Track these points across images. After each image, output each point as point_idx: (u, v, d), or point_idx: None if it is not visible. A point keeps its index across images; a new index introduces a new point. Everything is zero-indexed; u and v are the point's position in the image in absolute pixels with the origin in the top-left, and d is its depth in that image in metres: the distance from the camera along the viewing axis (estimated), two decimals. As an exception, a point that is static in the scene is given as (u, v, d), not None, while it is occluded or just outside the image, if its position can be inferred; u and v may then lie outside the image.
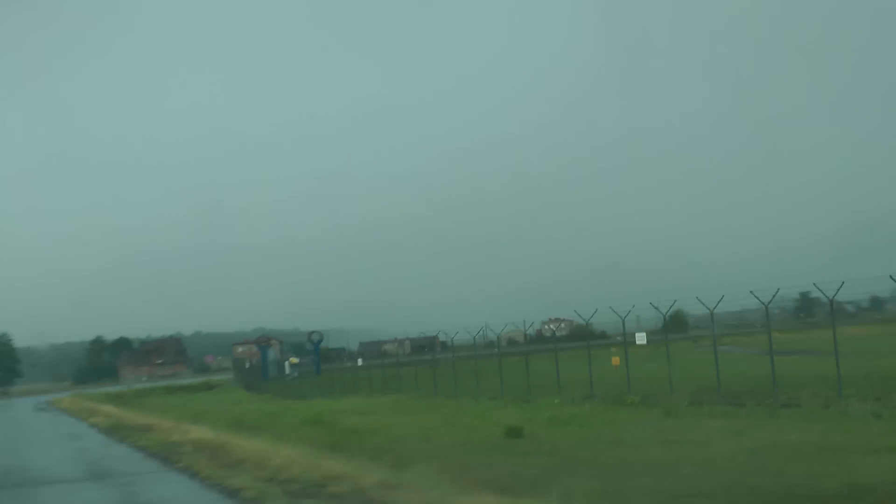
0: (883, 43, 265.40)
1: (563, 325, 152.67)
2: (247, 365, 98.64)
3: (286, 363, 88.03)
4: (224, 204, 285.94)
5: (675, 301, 39.83)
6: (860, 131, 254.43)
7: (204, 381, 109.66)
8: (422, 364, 63.36)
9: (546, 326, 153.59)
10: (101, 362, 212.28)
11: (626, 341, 42.29)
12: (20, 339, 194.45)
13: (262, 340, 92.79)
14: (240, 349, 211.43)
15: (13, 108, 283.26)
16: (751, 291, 34.09)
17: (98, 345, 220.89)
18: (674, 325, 70.40)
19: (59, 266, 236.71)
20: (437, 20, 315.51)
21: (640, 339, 40.61)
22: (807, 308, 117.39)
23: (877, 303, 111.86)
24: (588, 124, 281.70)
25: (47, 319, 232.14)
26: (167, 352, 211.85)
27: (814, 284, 32.11)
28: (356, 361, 71.87)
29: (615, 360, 46.17)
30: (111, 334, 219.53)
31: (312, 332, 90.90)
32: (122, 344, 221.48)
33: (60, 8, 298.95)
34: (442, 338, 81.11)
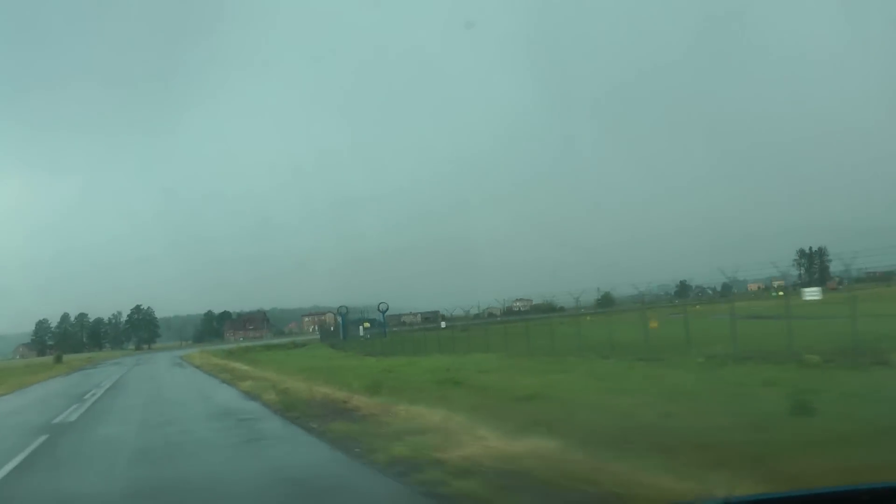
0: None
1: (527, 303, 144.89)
2: (332, 328, 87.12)
3: (360, 327, 76.65)
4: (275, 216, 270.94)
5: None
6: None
7: (290, 341, 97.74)
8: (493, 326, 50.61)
9: (515, 303, 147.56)
10: (211, 328, 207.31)
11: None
12: (159, 312, 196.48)
13: (342, 309, 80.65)
14: (306, 319, 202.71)
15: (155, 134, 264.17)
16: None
17: (209, 316, 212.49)
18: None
19: (181, 261, 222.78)
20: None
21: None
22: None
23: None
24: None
25: (176, 297, 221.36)
26: (255, 321, 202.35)
27: None
28: (439, 324, 59.98)
29: (653, 324, 34.79)
30: (217, 308, 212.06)
31: (380, 303, 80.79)
32: (225, 315, 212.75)
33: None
34: (443, 312, 77.11)
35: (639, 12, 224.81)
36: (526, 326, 38.03)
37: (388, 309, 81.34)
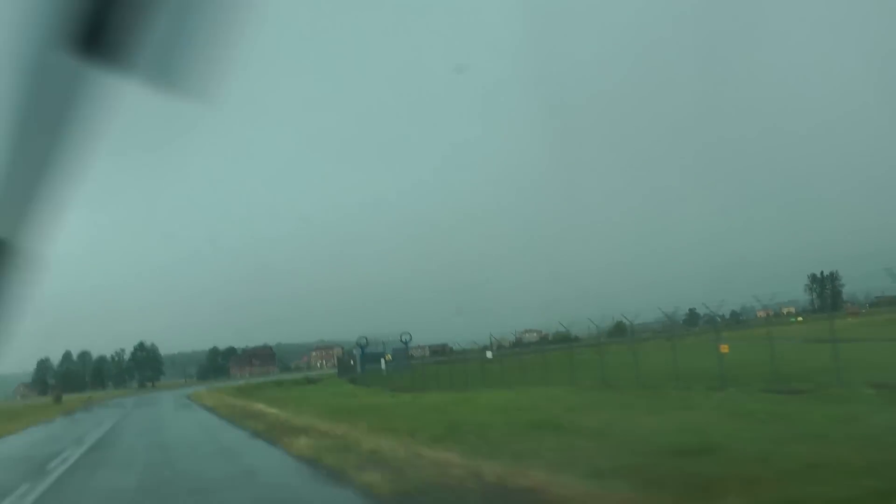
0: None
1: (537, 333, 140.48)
2: (351, 362, 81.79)
3: (381, 360, 71.17)
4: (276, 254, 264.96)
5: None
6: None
7: (302, 376, 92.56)
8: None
9: (525, 334, 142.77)
10: (216, 364, 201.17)
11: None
12: (163, 349, 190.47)
13: (361, 340, 75.08)
14: (314, 353, 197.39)
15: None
16: None
17: (214, 352, 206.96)
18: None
19: (184, 298, 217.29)
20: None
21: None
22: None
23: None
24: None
25: (180, 334, 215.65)
26: (261, 356, 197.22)
27: None
28: (485, 355, 53.96)
29: (724, 348, 30.28)
30: (221, 344, 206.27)
31: (403, 334, 75.59)
32: (230, 351, 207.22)
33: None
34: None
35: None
36: (569, 356, 33.52)
37: (411, 339, 76.27)
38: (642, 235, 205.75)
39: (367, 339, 70.74)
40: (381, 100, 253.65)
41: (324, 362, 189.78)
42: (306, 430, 18.20)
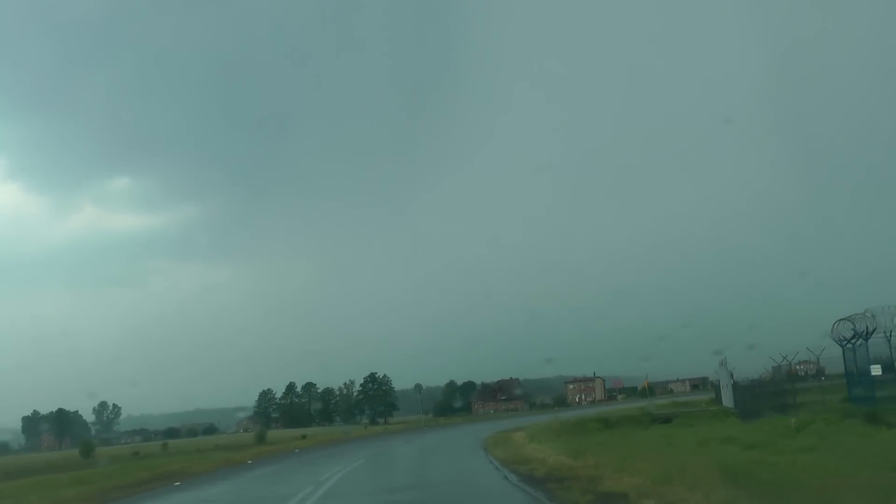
0: None
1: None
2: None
3: (870, 368, 32.19)
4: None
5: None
6: None
7: (597, 414, 56.15)
8: None
9: None
10: (453, 399, 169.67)
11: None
12: (396, 383, 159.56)
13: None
14: (571, 387, 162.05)
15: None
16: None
17: (451, 386, 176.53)
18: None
19: (421, 334, 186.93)
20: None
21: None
22: None
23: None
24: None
25: (413, 368, 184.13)
26: (507, 390, 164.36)
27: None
28: None
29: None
30: (458, 379, 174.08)
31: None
32: (469, 386, 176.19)
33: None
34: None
35: None
36: None
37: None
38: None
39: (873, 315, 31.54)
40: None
41: (582, 396, 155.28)
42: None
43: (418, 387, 55.98)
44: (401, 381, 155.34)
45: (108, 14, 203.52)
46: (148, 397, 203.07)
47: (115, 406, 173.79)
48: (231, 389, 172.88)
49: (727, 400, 40.53)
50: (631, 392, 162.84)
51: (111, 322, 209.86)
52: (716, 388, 53.74)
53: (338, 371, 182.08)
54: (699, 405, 47.54)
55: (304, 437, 67.21)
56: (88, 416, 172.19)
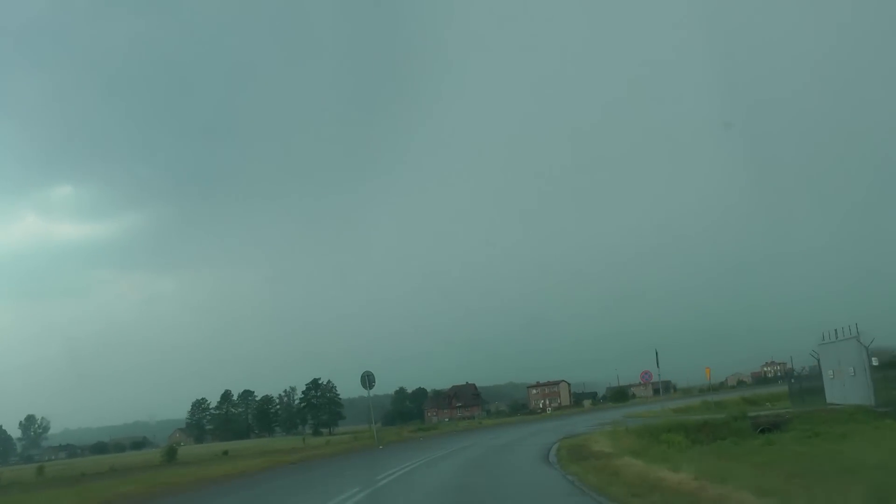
0: None
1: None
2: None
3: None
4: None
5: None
6: None
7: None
8: None
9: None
10: (403, 407, 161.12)
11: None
12: (342, 392, 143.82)
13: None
14: (534, 391, 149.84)
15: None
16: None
17: (401, 393, 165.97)
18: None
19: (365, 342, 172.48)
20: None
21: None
22: None
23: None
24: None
25: (359, 375, 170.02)
26: (464, 397, 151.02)
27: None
28: None
29: None
30: (408, 386, 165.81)
31: None
32: (420, 392, 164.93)
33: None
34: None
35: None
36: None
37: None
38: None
39: None
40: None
41: (547, 402, 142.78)
42: None
43: (366, 377, 41.05)
44: (348, 389, 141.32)
45: (49, 17, 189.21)
46: (87, 410, 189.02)
47: (43, 420, 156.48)
48: (174, 401, 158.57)
49: (855, 394, 27.62)
50: (591, 396, 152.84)
51: (50, 334, 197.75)
52: (797, 378, 40.27)
53: (281, 378, 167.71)
54: (779, 403, 35.00)
55: (225, 452, 53.01)
56: (14, 432, 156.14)
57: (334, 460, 33.35)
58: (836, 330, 28.99)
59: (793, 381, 41.61)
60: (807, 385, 36.43)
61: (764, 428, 22.22)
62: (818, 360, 33.22)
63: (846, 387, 28.67)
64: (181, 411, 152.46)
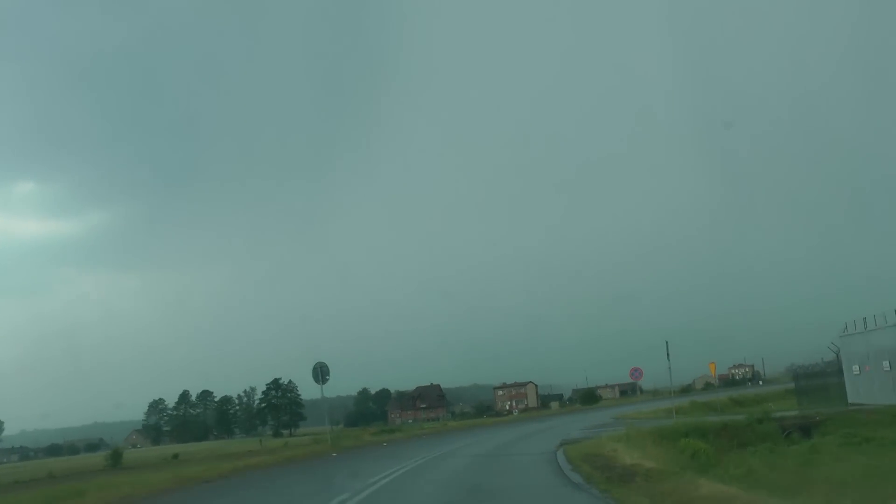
0: None
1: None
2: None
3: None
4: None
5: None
6: None
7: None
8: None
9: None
10: (366, 408, 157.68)
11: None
12: (304, 393, 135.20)
13: None
14: (500, 393, 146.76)
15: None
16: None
17: (364, 394, 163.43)
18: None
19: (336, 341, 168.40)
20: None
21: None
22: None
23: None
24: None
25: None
26: (428, 398, 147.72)
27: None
28: None
29: None
30: (372, 387, 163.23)
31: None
32: (384, 393, 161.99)
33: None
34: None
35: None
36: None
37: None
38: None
39: None
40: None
41: (513, 403, 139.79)
42: None
43: (318, 368, 36.59)
44: (309, 390, 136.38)
45: (12, 10, 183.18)
46: (44, 411, 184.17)
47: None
48: (134, 401, 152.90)
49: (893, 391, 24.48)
50: (557, 399, 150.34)
51: (9, 334, 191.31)
52: (805, 375, 36.93)
53: (242, 378, 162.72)
54: (781, 404, 32.23)
55: (175, 456, 49.12)
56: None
57: (269, 474, 26.49)
58: (864, 319, 26.13)
59: (800, 379, 38.50)
60: (818, 383, 33.50)
61: (789, 431, 19.38)
62: (837, 354, 30.32)
63: (876, 383, 25.69)
64: (140, 412, 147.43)
